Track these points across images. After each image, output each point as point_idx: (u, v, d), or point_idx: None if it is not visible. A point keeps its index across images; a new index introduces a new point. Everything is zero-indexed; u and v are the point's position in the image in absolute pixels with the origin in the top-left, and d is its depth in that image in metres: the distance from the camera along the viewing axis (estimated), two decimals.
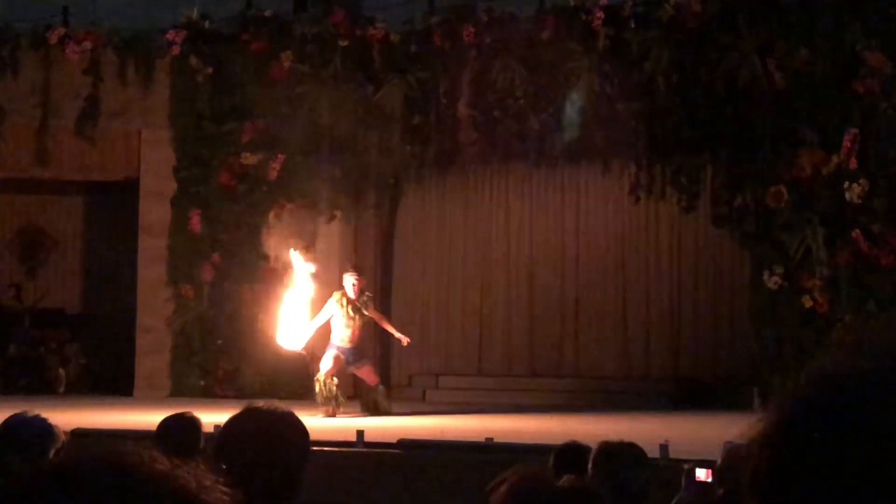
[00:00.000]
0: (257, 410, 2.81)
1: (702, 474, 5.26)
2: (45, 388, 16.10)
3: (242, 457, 2.62)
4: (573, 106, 14.58)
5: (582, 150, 14.96)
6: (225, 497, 1.15)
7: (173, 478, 1.10)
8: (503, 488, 2.18)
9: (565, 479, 2.25)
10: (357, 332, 12.37)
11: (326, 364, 12.23)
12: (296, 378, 14.81)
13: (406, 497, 8.56)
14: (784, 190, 13.65)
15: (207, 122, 16.06)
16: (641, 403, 14.22)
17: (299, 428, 2.81)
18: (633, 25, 14.34)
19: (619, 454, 4.50)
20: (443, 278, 16.55)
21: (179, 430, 5.26)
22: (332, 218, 15.91)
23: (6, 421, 4.44)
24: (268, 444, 2.70)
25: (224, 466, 2.48)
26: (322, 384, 12.21)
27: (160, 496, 1.08)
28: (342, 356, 12.30)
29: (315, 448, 8.91)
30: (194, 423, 5.48)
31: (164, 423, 5.38)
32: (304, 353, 12.36)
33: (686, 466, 5.42)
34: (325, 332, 12.44)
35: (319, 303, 12.43)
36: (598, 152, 14.91)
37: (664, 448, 8.00)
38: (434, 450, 9.07)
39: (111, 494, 1.06)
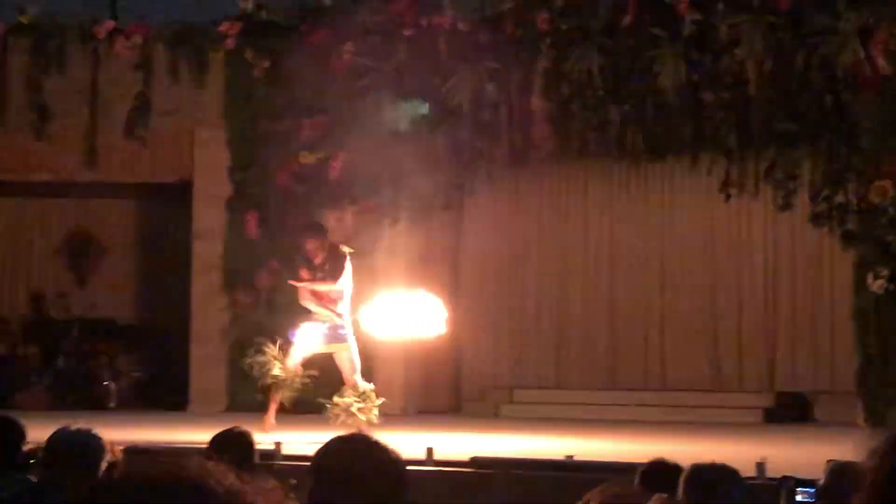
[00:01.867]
0: (350, 440, 2.79)
1: (804, 496, 5.21)
2: (96, 403, 16.32)
3: (338, 489, 2.62)
4: (657, 97, 14.50)
5: (667, 145, 14.88)
6: None
7: (241, 493, 1.12)
8: None
9: (655, 499, 2.25)
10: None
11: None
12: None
13: None
14: (889, 185, 13.46)
15: (264, 120, 16.18)
16: (734, 418, 14.11)
17: (395, 458, 2.80)
18: (721, 9, 14.23)
19: (713, 476, 4.47)
20: (516, 284, 16.53)
21: (231, 446, 5.32)
22: (396, 221, 15.94)
23: (53, 435, 4.51)
24: (364, 476, 2.68)
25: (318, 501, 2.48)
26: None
27: None
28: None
29: None
30: (246, 439, 5.54)
31: (215, 439, 5.45)
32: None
33: (785, 487, 5.38)
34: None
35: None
36: (685, 146, 14.81)
37: (760, 466, 7.94)
38: (509, 468, 9.06)
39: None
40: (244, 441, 5.50)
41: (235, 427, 5.62)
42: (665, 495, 2.35)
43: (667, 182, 15.90)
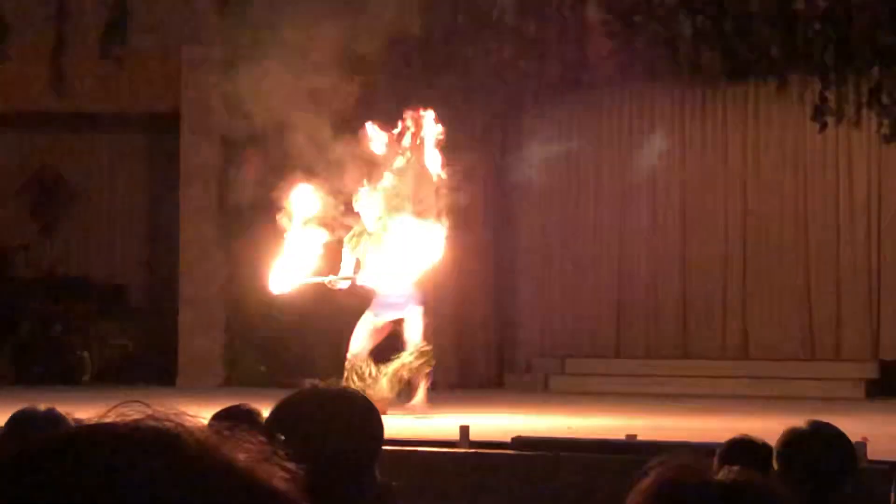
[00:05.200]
0: (317, 390, 2.89)
1: None
2: (67, 377, 16.45)
3: (297, 444, 2.68)
4: (738, 6, 14.41)
5: (750, 64, 14.82)
6: (287, 474, 1.17)
7: (215, 447, 1.12)
8: (645, 483, 2.17)
9: (725, 471, 2.23)
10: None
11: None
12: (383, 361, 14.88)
13: None
14: None
15: (266, 34, 16.16)
16: (830, 392, 14.10)
17: (368, 412, 2.88)
18: None
19: (819, 446, 4.41)
20: (570, 233, 16.53)
21: (232, 428, 5.37)
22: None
23: (14, 416, 4.53)
24: (329, 429, 2.77)
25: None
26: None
27: (209, 472, 1.11)
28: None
29: (407, 449, 8.99)
30: (252, 418, 5.59)
31: (216, 419, 5.49)
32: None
33: None
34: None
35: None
36: (772, 65, 14.76)
37: (861, 447, 7.93)
38: (558, 450, 9.09)
39: (147, 465, 1.08)
40: (248, 420, 5.55)
41: (242, 405, 5.67)
42: (740, 468, 2.32)
43: (750, 109, 15.83)
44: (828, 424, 4.59)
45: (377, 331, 12.13)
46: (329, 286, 12.16)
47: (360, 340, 12.14)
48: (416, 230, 12.00)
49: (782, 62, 14.66)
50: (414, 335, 11.99)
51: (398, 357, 11.93)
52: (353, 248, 12.18)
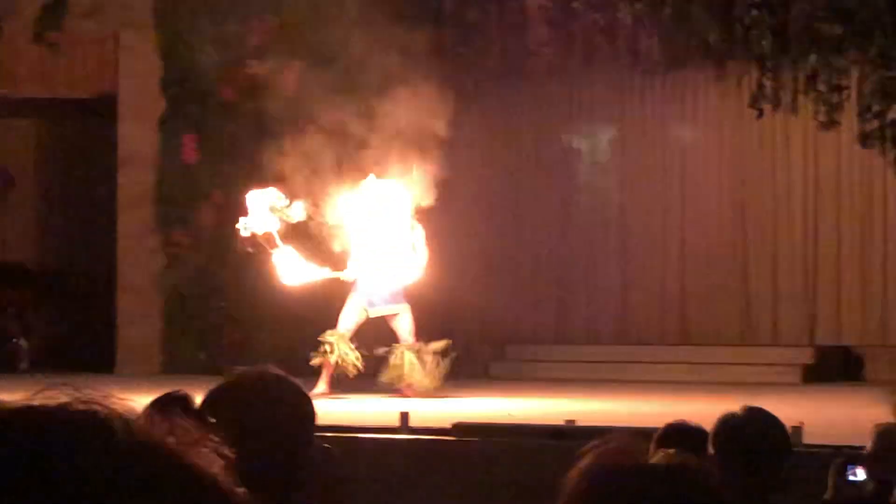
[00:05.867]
0: (248, 374, 2.90)
1: (858, 474, 5.23)
2: (4, 364, 16.33)
3: (231, 428, 2.68)
4: None
5: (689, 51, 14.87)
6: (218, 457, 1.17)
7: (141, 430, 1.11)
8: (581, 466, 2.17)
9: (661, 455, 2.25)
10: None
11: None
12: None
13: (462, 495, 8.63)
14: None
15: (204, 21, 16.09)
16: (768, 377, 14.19)
17: (297, 394, 2.89)
18: None
19: (754, 431, 4.46)
20: (510, 219, 16.55)
21: (167, 414, 5.37)
22: (365, 143, 15.93)
23: None
24: (261, 411, 2.78)
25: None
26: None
27: (141, 454, 1.10)
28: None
29: (347, 436, 8.97)
30: (186, 404, 5.57)
31: (150, 407, 5.47)
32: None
33: (834, 465, 5.40)
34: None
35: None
36: (710, 53, 14.80)
37: (797, 432, 7.99)
38: (499, 436, 9.11)
39: (75, 447, 1.07)
40: (186, 407, 5.54)
41: (176, 391, 5.65)
42: (674, 451, 2.34)
43: (688, 96, 15.90)
44: (762, 410, 4.64)
45: (364, 321, 12.80)
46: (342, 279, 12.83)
47: (349, 325, 12.75)
48: (402, 232, 12.94)
49: (721, 49, 14.71)
50: (405, 332, 12.74)
51: (405, 349, 12.68)
52: (340, 241, 12.96)
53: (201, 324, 16.05)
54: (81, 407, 1.11)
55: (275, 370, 2.98)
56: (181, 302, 16.15)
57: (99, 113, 16.61)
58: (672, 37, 14.73)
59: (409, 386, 12.56)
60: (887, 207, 14.93)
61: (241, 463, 1.27)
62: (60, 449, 1.07)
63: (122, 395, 1.16)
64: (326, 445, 3.05)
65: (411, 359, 12.62)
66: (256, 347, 15.66)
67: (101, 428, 1.10)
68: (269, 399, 2.84)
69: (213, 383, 3.01)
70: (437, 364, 12.73)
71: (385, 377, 12.62)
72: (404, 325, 12.80)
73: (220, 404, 2.84)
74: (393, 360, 12.65)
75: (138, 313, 16.19)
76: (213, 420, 2.71)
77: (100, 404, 1.11)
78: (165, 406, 5.71)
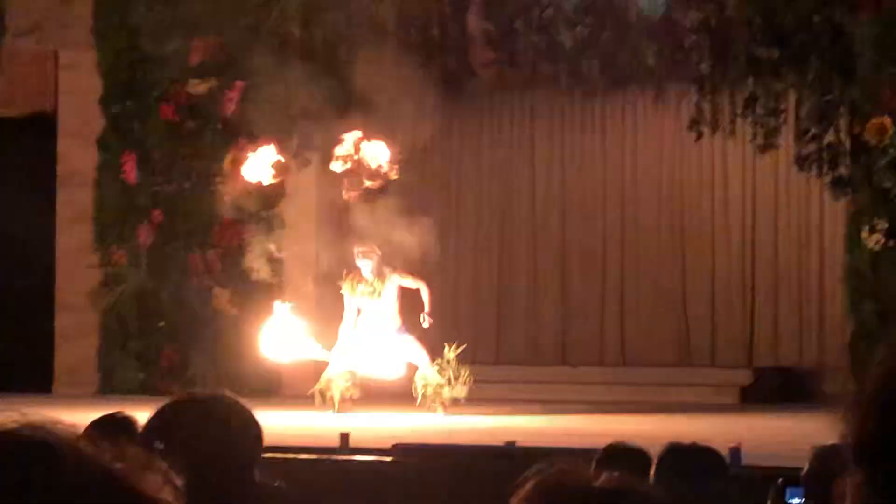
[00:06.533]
0: (193, 396, 2.88)
1: (795, 496, 5.27)
2: None
3: (176, 451, 2.67)
4: (617, 16, 14.52)
5: (628, 73, 14.93)
6: (165, 482, 1.16)
7: (93, 456, 1.10)
8: (525, 489, 2.17)
9: (605, 478, 2.24)
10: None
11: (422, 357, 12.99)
12: (262, 370, 14.85)
13: None
14: (889, 122, 13.59)
15: (145, 40, 16.02)
16: (706, 398, 14.25)
17: (246, 417, 2.87)
18: None
19: (692, 459, 4.51)
20: (449, 241, 16.53)
21: (110, 436, 5.31)
22: (306, 162, 15.90)
23: None
24: (208, 435, 2.76)
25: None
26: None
27: (90, 480, 1.09)
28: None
29: (288, 456, 8.93)
30: (129, 426, 5.54)
31: (93, 427, 5.42)
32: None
33: (774, 488, 5.44)
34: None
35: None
36: (649, 75, 14.87)
37: (735, 453, 8.04)
38: (439, 457, 9.09)
39: (32, 472, 1.06)
40: (123, 430, 5.50)
41: (118, 413, 5.62)
42: (619, 475, 2.34)
43: (628, 118, 15.97)
44: (699, 444, 4.70)
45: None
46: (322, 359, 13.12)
47: (342, 364, 13.02)
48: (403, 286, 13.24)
49: (660, 72, 14.78)
50: (419, 360, 13.00)
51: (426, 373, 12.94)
52: (351, 293, 13.08)
53: (140, 344, 15.96)
54: (28, 433, 1.10)
55: (223, 392, 2.96)
56: (119, 321, 16.06)
57: (38, 131, 16.49)
58: (612, 59, 14.78)
59: (444, 405, 12.77)
60: (824, 230, 15.05)
61: (190, 488, 1.27)
62: (8, 477, 1.06)
63: (61, 416, 1.15)
64: (278, 483, 3.03)
65: (437, 380, 12.86)
66: (195, 368, 15.61)
67: (50, 454, 1.09)
68: (219, 422, 2.82)
69: (155, 404, 2.99)
70: (459, 370, 12.97)
71: (420, 404, 12.79)
72: (417, 354, 12.99)
73: (169, 427, 2.82)
74: (422, 387, 12.84)
75: (76, 332, 16.08)
76: (161, 443, 2.70)
77: (47, 430, 1.11)
78: (109, 428, 5.66)
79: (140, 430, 5.48)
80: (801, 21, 13.94)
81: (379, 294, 13.04)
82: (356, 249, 13.17)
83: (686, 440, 4.76)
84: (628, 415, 12.28)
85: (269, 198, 15.64)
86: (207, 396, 2.94)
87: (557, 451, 8.32)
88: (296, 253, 15.68)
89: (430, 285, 13.43)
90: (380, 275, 13.08)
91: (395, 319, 13.11)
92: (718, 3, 14.17)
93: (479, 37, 15.22)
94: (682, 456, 4.53)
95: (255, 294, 15.59)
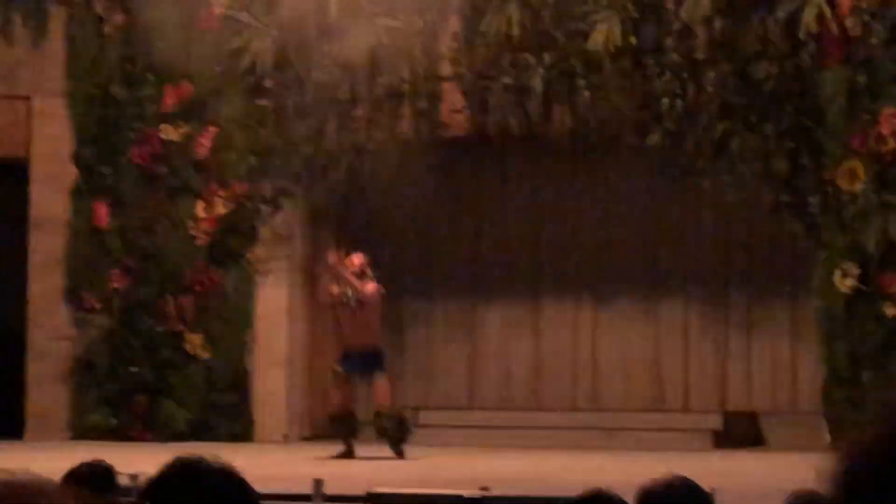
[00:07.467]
0: (189, 463, 2.85)
1: None
2: None
3: None
4: (587, 61, 14.59)
5: (601, 120, 14.96)
6: None
7: None
8: None
9: None
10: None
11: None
12: (234, 415, 14.79)
13: None
14: (859, 166, 13.66)
15: (117, 87, 16.03)
16: (678, 442, 14.24)
17: (240, 482, 2.84)
18: None
19: (675, 498, 4.47)
20: (423, 285, 16.53)
21: (89, 484, 5.30)
22: (277, 208, 15.91)
23: None
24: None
25: None
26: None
27: None
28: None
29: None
30: (109, 476, 5.53)
31: (72, 476, 5.40)
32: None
33: None
34: None
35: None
36: (622, 121, 14.90)
37: (709, 498, 8.01)
38: (413, 503, 9.05)
39: None
40: (102, 478, 5.49)
41: (97, 462, 5.61)
42: None
43: (599, 163, 15.96)
44: (683, 477, 4.65)
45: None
46: None
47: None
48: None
49: (633, 118, 14.81)
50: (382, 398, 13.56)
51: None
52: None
53: (111, 390, 15.89)
54: (17, 496, 1.08)
55: (217, 460, 2.92)
56: (91, 367, 15.98)
57: (10, 176, 16.45)
58: (582, 104, 14.81)
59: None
60: (796, 276, 15.06)
61: None
62: None
63: (33, 463, 1.13)
64: None
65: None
66: (168, 414, 15.54)
67: None
68: (214, 489, 2.78)
69: (127, 450, 2.96)
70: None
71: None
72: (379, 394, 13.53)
73: (164, 495, 2.78)
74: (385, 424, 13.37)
75: (48, 378, 15.99)
76: None
77: (38, 492, 1.09)
78: (89, 479, 5.61)
79: (115, 477, 5.46)
80: (772, 67, 14.02)
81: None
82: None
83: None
84: (601, 461, 12.24)
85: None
86: (202, 464, 2.89)
87: (532, 499, 8.30)
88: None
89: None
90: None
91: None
92: (689, 50, 14.24)
93: (448, 86, 15.27)
94: (662, 500, 4.50)
95: (227, 338, 15.56)
